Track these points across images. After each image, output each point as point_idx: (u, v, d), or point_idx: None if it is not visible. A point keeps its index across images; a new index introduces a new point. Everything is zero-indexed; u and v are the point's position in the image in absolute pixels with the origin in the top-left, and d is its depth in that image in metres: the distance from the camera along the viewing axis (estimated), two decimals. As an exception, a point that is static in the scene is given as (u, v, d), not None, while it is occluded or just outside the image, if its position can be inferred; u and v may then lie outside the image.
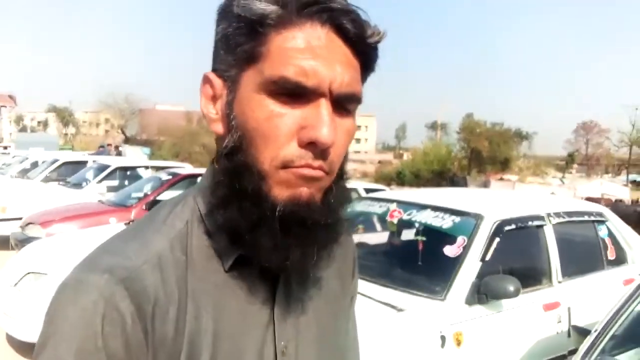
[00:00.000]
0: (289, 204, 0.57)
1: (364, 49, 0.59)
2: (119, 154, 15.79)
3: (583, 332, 2.53)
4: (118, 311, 0.54)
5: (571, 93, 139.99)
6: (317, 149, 0.56)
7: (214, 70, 0.62)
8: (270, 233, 0.57)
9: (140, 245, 0.60)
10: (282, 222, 0.56)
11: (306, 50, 0.55)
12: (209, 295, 0.60)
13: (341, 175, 0.64)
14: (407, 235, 3.36)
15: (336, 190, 0.62)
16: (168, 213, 0.64)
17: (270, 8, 0.55)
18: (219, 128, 0.61)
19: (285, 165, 0.56)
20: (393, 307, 2.41)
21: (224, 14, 0.59)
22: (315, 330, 0.69)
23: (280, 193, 0.57)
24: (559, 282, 2.98)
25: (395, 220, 3.24)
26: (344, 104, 0.59)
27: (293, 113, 0.56)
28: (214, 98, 0.62)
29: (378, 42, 0.60)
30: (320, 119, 0.55)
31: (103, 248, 0.61)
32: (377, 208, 3.46)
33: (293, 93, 0.56)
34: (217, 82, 0.61)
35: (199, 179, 0.71)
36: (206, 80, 0.62)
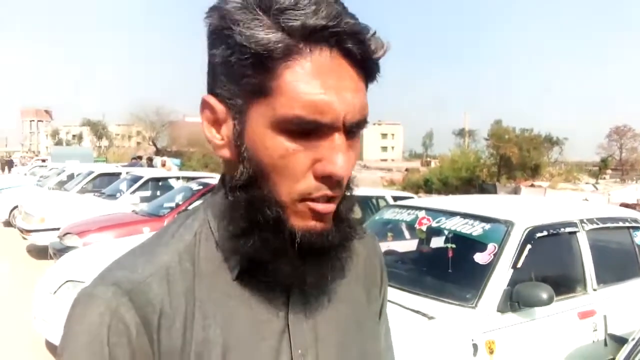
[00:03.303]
0: (306, 235, 0.58)
1: (369, 66, 0.59)
2: (151, 165, 16.14)
3: (620, 341, 2.48)
4: (123, 322, 0.56)
5: (603, 97, 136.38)
6: (334, 181, 0.57)
7: (214, 93, 0.60)
8: (289, 260, 0.58)
9: (149, 258, 0.61)
10: (300, 250, 0.58)
11: (318, 83, 0.54)
12: (218, 305, 0.60)
13: (348, 185, 0.64)
14: (437, 242, 3.35)
15: (344, 199, 0.63)
16: (178, 227, 0.65)
17: (276, 37, 0.53)
18: (226, 153, 0.61)
19: (303, 198, 0.58)
20: (424, 314, 2.40)
21: (222, 37, 0.56)
22: (336, 337, 0.67)
23: (297, 223, 0.58)
24: (594, 290, 2.92)
25: (424, 228, 3.23)
26: (355, 129, 0.59)
27: (307, 149, 0.56)
28: (217, 123, 0.60)
29: (382, 55, 0.59)
30: (336, 154, 0.56)
31: (115, 263, 0.63)
32: (406, 215, 3.46)
33: (308, 130, 0.55)
34: (219, 107, 0.59)
35: None
36: (205, 105, 0.60)
